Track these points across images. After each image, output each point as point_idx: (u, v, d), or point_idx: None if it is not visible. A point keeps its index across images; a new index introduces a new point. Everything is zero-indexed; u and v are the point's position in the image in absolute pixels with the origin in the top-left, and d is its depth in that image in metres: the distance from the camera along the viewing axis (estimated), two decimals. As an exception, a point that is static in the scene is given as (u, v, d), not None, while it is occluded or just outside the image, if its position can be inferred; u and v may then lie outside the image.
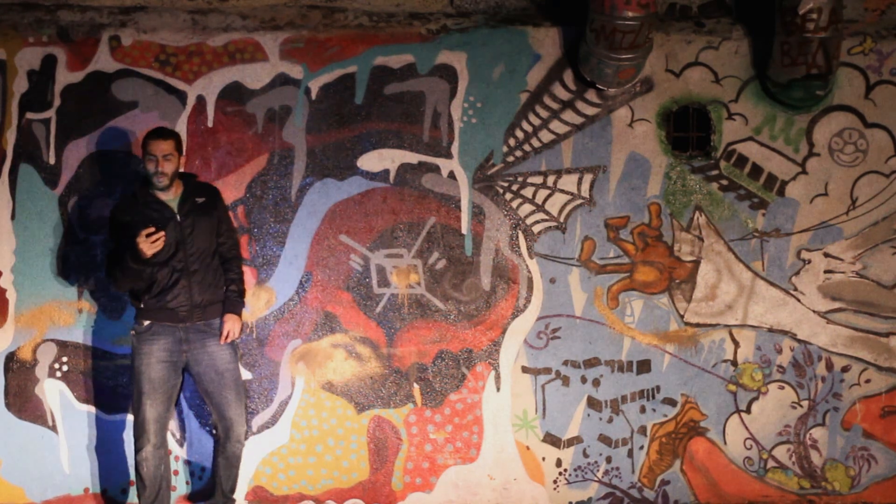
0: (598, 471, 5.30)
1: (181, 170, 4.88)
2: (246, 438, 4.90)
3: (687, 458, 5.29)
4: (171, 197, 4.74)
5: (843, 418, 5.29)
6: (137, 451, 4.69)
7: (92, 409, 5.27)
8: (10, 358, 5.28)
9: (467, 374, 5.32)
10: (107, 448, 5.26)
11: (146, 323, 4.71)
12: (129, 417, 5.26)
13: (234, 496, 4.92)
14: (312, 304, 5.33)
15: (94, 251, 5.29)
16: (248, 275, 5.30)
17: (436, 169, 5.37)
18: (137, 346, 4.71)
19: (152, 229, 4.46)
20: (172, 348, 4.70)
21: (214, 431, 4.90)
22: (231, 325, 4.77)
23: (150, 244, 4.45)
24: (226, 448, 4.80)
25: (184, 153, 4.84)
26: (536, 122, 5.37)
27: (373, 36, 5.39)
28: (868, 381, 5.29)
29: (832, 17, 4.88)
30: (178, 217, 4.71)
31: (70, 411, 5.26)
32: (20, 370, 5.28)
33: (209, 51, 5.38)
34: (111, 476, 5.26)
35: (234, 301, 4.85)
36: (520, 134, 5.38)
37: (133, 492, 5.24)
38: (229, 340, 4.77)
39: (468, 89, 5.37)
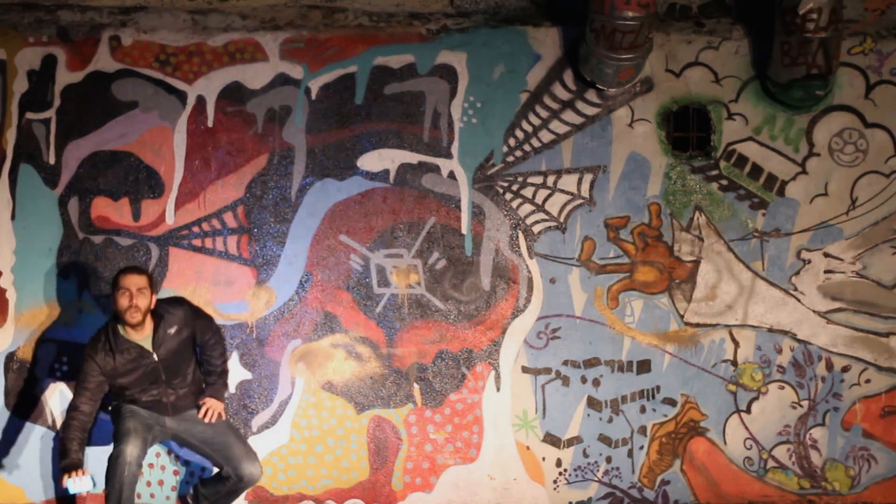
0: (598, 471, 5.30)
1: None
2: (259, 478, 4.79)
3: (687, 458, 5.29)
4: (143, 336, 4.59)
5: (843, 418, 5.29)
6: (118, 455, 4.56)
7: (92, 409, 5.27)
8: (10, 358, 5.28)
9: (467, 374, 5.32)
10: (107, 448, 5.25)
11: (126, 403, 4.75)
12: (129, 417, 5.27)
13: None
14: (312, 304, 5.33)
15: (94, 251, 5.29)
16: (249, 275, 5.31)
17: (436, 169, 5.37)
18: (119, 407, 4.72)
19: (79, 475, 4.43)
20: (154, 414, 4.72)
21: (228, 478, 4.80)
22: (209, 401, 4.73)
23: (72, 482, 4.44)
24: (238, 485, 4.72)
25: (155, 292, 4.67)
26: (536, 122, 5.37)
27: (373, 36, 5.39)
28: (868, 381, 5.29)
29: (832, 17, 4.88)
30: (155, 357, 4.61)
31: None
32: (20, 370, 5.28)
33: (209, 51, 5.38)
34: (111, 476, 5.26)
35: (213, 385, 4.80)
36: (520, 134, 5.38)
37: (133, 492, 5.24)
38: (211, 420, 4.71)
39: (468, 89, 5.37)
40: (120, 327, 4.58)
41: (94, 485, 4.55)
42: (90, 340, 4.66)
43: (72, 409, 4.59)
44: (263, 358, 5.32)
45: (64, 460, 4.48)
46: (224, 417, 4.79)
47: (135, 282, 4.52)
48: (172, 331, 4.63)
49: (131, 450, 4.55)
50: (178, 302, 4.78)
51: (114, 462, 4.55)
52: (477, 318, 5.33)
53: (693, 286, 5.33)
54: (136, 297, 4.49)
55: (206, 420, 4.70)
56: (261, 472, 4.75)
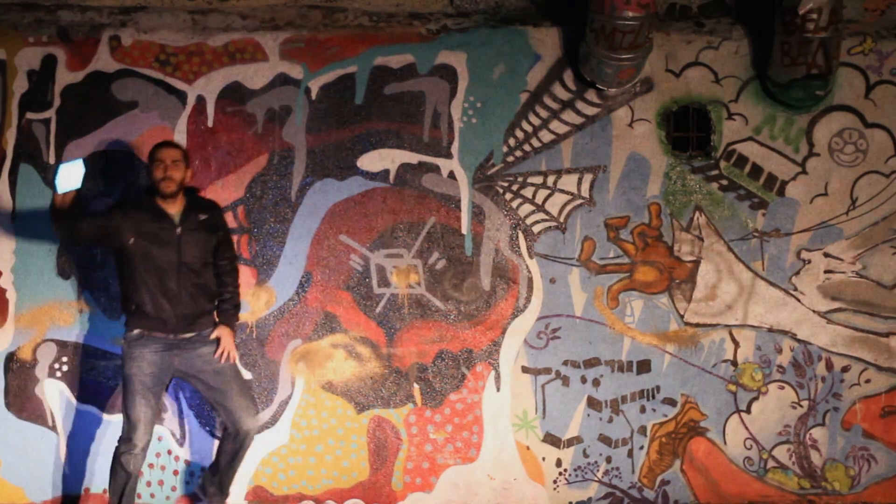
0: (598, 471, 5.30)
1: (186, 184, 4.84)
2: (256, 432, 4.85)
3: (687, 458, 5.29)
4: (174, 210, 4.74)
5: (843, 418, 5.29)
6: (125, 449, 4.62)
7: (92, 409, 5.27)
8: (10, 358, 5.28)
9: (467, 374, 5.32)
10: (107, 448, 5.25)
11: (136, 331, 4.69)
12: (129, 417, 5.27)
13: (229, 492, 4.91)
14: (312, 304, 5.33)
15: (94, 251, 5.29)
16: (249, 275, 5.31)
17: (436, 169, 5.37)
18: (128, 352, 4.68)
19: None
20: (163, 352, 4.68)
21: (222, 432, 4.88)
22: (225, 338, 4.74)
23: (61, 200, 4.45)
24: (234, 440, 4.74)
25: (190, 168, 4.84)
26: (536, 122, 5.37)
27: (373, 36, 5.39)
28: (868, 381, 5.29)
29: (832, 17, 4.88)
30: (178, 230, 4.70)
31: (70, 411, 5.27)
32: (20, 370, 5.28)
33: (209, 51, 5.38)
34: (111, 476, 5.26)
35: (227, 313, 4.83)
36: (520, 134, 5.38)
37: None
38: (228, 360, 4.73)
39: (468, 89, 5.37)
40: (153, 197, 4.74)
41: (84, 170, 4.45)
42: (124, 197, 4.91)
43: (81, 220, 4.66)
44: (263, 358, 5.32)
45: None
46: (235, 359, 4.79)
47: (169, 154, 4.71)
48: (202, 217, 4.77)
49: (140, 441, 4.62)
50: (216, 204, 4.98)
51: (123, 458, 4.61)
52: (477, 318, 5.33)
53: (693, 286, 5.33)
54: (170, 168, 4.68)
55: (222, 361, 4.70)
56: (257, 426, 4.80)
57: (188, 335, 4.70)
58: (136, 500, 5.24)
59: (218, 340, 4.74)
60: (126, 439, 4.65)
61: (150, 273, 4.66)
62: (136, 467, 4.67)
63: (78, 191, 4.46)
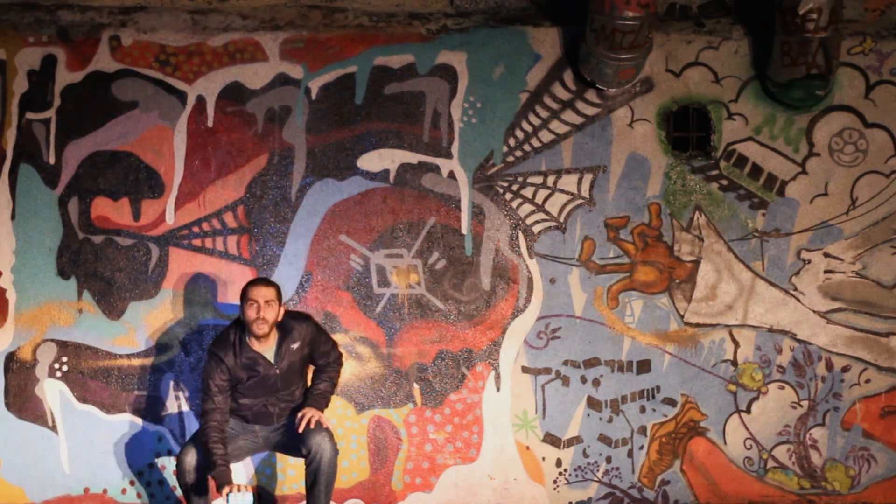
0: (598, 471, 5.30)
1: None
2: (333, 455, 4.53)
3: (687, 458, 5.29)
4: (266, 347, 4.61)
5: (843, 418, 5.29)
6: (180, 462, 4.55)
7: (92, 409, 5.27)
8: (10, 358, 5.28)
9: (467, 374, 5.32)
10: (107, 448, 5.26)
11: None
12: (129, 418, 5.27)
13: None
14: (312, 304, 5.33)
15: (94, 251, 5.29)
16: (249, 275, 5.30)
17: (436, 169, 5.37)
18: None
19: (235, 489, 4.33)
20: (245, 427, 4.72)
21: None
22: (309, 413, 4.56)
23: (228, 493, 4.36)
24: (312, 462, 4.51)
25: (283, 305, 4.66)
26: (536, 122, 5.37)
27: (373, 36, 5.39)
28: (868, 381, 5.29)
29: (832, 17, 4.88)
30: (277, 370, 4.62)
31: (70, 411, 5.26)
32: (20, 370, 5.28)
33: (209, 51, 5.38)
34: (111, 476, 5.26)
35: (315, 397, 4.69)
36: (520, 134, 5.38)
37: (132, 491, 5.24)
38: (308, 424, 4.56)
39: (468, 89, 5.37)
40: (245, 336, 4.60)
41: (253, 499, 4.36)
42: (216, 341, 4.66)
43: (206, 411, 4.54)
44: (263, 358, 5.31)
45: (214, 469, 4.40)
46: (323, 423, 4.58)
47: (263, 294, 4.53)
48: (296, 346, 4.64)
49: (189, 458, 4.52)
50: (305, 318, 4.78)
51: (179, 471, 4.59)
52: (477, 318, 5.33)
53: (693, 286, 5.33)
54: (263, 308, 4.51)
55: (302, 426, 4.55)
56: (331, 447, 4.48)
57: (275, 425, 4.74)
58: (136, 499, 5.25)
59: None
60: (179, 455, 4.58)
61: (251, 398, 4.65)
62: (192, 481, 4.55)
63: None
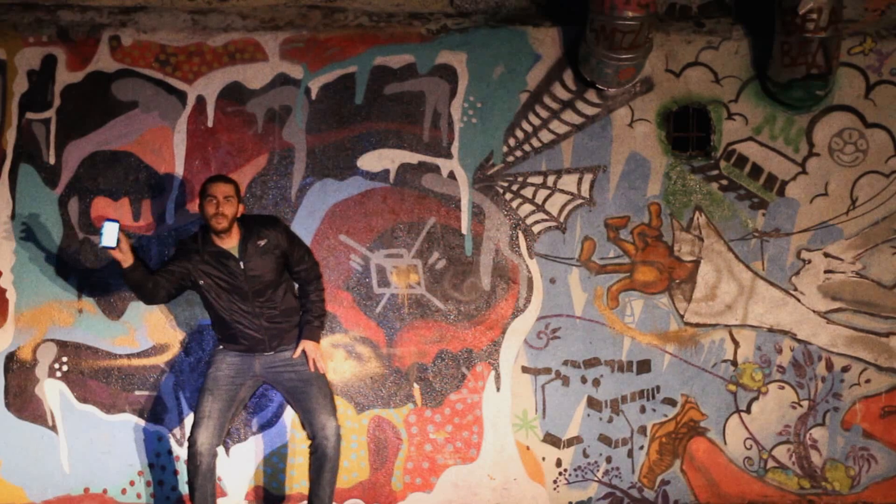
0: (598, 471, 5.30)
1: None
2: (337, 441, 4.68)
3: (687, 458, 5.29)
4: (231, 244, 4.67)
5: (843, 418, 5.29)
6: (191, 444, 4.59)
7: (92, 409, 5.27)
8: (10, 358, 5.28)
9: (467, 374, 5.32)
10: (107, 448, 5.26)
11: (222, 346, 4.78)
12: (129, 418, 5.27)
13: None
14: (312, 304, 5.32)
15: (94, 251, 5.29)
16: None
17: (436, 169, 5.37)
18: (211, 359, 4.79)
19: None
20: (244, 355, 4.72)
21: (308, 441, 4.76)
22: (310, 351, 4.71)
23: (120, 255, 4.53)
24: (317, 449, 4.65)
25: (243, 202, 4.76)
26: (536, 122, 5.37)
27: (373, 36, 5.39)
28: (868, 381, 5.29)
29: (832, 17, 4.88)
30: (242, 264, 4.65)
31: (70, 411, 5.27)
32: (20, 370, 5.28)
33: (209, 51, 5.38)
34: (111, 476, 5.26)
35: (310, 325, 4.76)
36: (520, 134, 5.38)
37: (132, 491, 5.24)
38: (317, 369, 4.71)
39: (468, 89, 5.37)
40: (208, 235, 4.68)
41: (118, 230, 4.49)
42: (182, 240, 4.84)
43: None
44: (263, 358, 5.31)
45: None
46: (322, 368, 4.73)
47: (221, 189, 4.61)
48: (261, 243, 4.68)
49: (203, 439, 4.57)
50: (272, 220, 4.84)
51: (189, 455, 4.60)
52: (477, 318, 5.33)
53: (693, 286, 5.33)
54: (222, 204, 4.58)
55: (311, 370, 4.67)
56: (336, 427, 4.65)
57: (271, 352, 4.74)
58: (136, 499, 5.25)
59: (304, 353, 4.73)
60: (190, 441, 4.62)
61: (227, 307, 4.67)
62: (203, 465, 4.58)
63: (137, 252, 4.61)
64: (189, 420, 5.27)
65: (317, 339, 4.77)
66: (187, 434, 5.25)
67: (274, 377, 4.75)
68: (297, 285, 4.86)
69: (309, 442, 4.73)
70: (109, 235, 4.47)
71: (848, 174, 5.34)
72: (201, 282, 4.68)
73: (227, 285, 4.66)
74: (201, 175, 5.32)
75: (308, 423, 4.70)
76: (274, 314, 4.72)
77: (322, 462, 4.65)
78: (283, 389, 4.77)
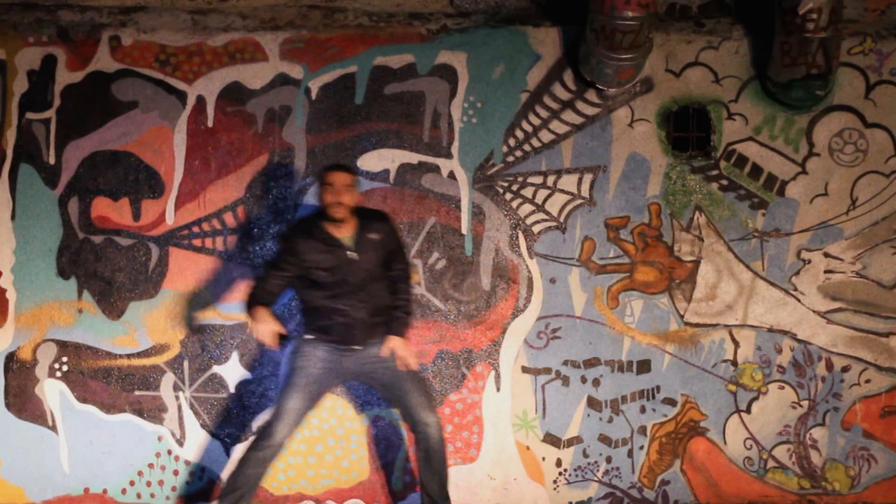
0: (598, 471, 5.30)
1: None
2: (440, 433, 4.64)
3: (687, 458, 5.29)
4: (345, 234, 4.60)
5: (843, 418, 5.29)
6: (268, 436, 4.52)
7: (92, 409, 5.27)
8: (10, 358, 5.28)
9: (467, 374, 5.32)
10: (107, 448, 5.26)
11: (310, 336, 4.68)
12: (129, 418, 5.27)
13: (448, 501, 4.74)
14: (312, 304, 5.32)
15: (94, 251, 5.29)
16: (249, 275, 5.30)
17: (436, 169, 5.37)
18: (298, 348, 4.67)
19: (283, 333, 4.48)
20: (334, 352, 4.65)
21: (411, 436, 4.75)
22: (399, 350, 4.64)
23: (266, 337, 4.43)
24: (425, 444, 4.62)
25: (359, 192, 4.70)
26: (536, 122, 5.37)
27: (373, 36, 5.39)
28: (868, 381, 5.29)
29: (832, 17, 4.88)
30: (353, 256, 4.59)
31: (70, 411, 5.27)
32: (20, 370, 5.28)
33: (209, 51, 5.38)
34: (111, 476, 5.26)
35: (399, 322, 4.73)
36: (520, 134, 5.38)
37: (132, 491, 5.24)
38: (408, 367, 4.67)
39: (468, 89, 5.37)
40: (322, 222, 4.61)
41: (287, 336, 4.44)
42: (292, 226, 4.73)
43: (256, 281, 4.63)
44: (263, 358, 5.32)
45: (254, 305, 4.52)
46: (413, 364, 4.69)
47: (340, 179, 4.54)
48: (374, 236, 4.64)
49: (282, 434, 4.53)
50: (384, 216, 4.81)
51: (259, 444, 4.53)
52: (477, 318, 5.33)
53: (693, 286, 5.33)
54: (341, 193, 4.52)
55: (401, 369, 4.64)
56: (437, 420, 4.61)
57: (362, 346, 4.67)
58: (136, 499, 5.25)
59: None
60: (267, 432, 4.53)
61: (326, 296, 4.59)
62: (269, 456, 4.55)
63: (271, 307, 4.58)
64: (189, 420, 5.27)
65: (403, 335, 4.72)
66: (187, 433, 5.26)
67: (367, 374, 4.70)
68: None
69: (409, 435, 4.66)
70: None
71: (848, 174, 5.34)
72: (316, 274, 4.57)
73: (334, 275, 4.58)
74: (201, 175, 5.33)
75: (408, 418, 4.65)
76: (372, 308, 4.66)
77: (428, 455, 4.64)
78: (377, 385, 4.73)
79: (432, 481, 4.68)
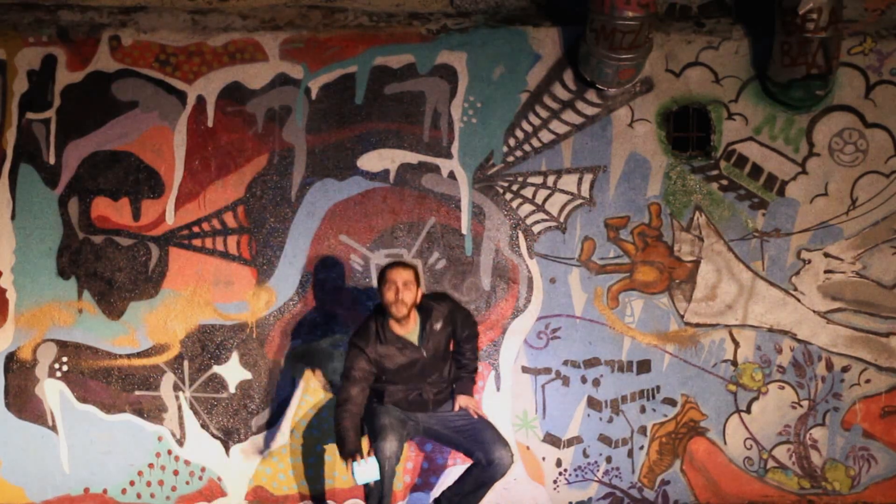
0: (598, 471, 5.30)
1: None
2: (507, 469, 4.60)
3: (687, 458, 5.29)
4: (410, 330, 4.61)
5: (843, 418, 5.29)
6: (378, 451, 4.45)
7: (92, 409, 5.27)
8: (10, 358, 5.28)
9: (467, 374, 5.31)
10: (107, 448, 5.26)
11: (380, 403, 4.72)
12: (129, 418, 5.27)
13: None
14: (312, 304, 5.32)
15: (94, 251, 5.29)
16: (249, 275, 5.31)
17: (436, 169, 5.37)
18: (371, 406, 4.66)
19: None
20: (406, 413, 4.70)
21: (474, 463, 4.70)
22: (469, 406, 4.72)
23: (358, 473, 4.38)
24: (485, 469, 4.57)
25: (420, 287, 4.64)
26: (536, 122, 5.37)
27: (373, 36, 5.39)
28: (868, 381, 5.29)
29: (832, 17, 4.88)
30: (424, 353, 4.61)
31: (70, 411, 5.27)
32: (20, 370, 5.28)
33: (209, 51, 5.38)
34: (111, 476, 5.26)
35: (463, 381, 4.78)
36: (520, 134, 5.38)
37: (132, 491, 5.25)
38: (478, 416, 4.71)
39: (468, 89, 5.37)
40: (386, 321, 4.60)
41: (380, 474, 4.39)
42: (356, 332, 4.67)
43: (343, 401, 4.54)
44: (263, 358, 5.32)
45: (344, 449, 4.43)
46: (482, 414, 4.77)
47: (401, 276, 4.53)
48: (438, 326, 4.63)
49: (389, 445, 4.48)
50: (443, 298, 4.82)
51: (379, 462, 4.49)
52: (477, 318, 5.32)
53: (693, 286, 5.33)
54: (402, 290, 4.50)
55: (474, 416, 4.69)
56: (512, 459, 4.58)
57: (431, 411, 4.74)
58: (136, 499, 5.25)
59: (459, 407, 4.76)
60: (377, 451, 4.47)
61: (399, 384, 4.65)
62: (388, 468, 4.48)
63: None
64: (189, 420, 5.27)
65: (470, 392, 4.79)
66: (187, 433, 5.27)
67: (437, 423, 4.72)
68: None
69: (479, 462, 4.59)
70: (370, 472, 4.37)
71: (848, 174, 5.34)
72: (386, 374, 4.62)
73: (404, 369, 4.62)
74: (201, 175, 5.33)
75: (481, 450, 4.58)
76: (443, 386, 4.74)
77: (486, 480, 4.59)
78: (451, 433, 4.71)
79: (470, 500, 4.66)
